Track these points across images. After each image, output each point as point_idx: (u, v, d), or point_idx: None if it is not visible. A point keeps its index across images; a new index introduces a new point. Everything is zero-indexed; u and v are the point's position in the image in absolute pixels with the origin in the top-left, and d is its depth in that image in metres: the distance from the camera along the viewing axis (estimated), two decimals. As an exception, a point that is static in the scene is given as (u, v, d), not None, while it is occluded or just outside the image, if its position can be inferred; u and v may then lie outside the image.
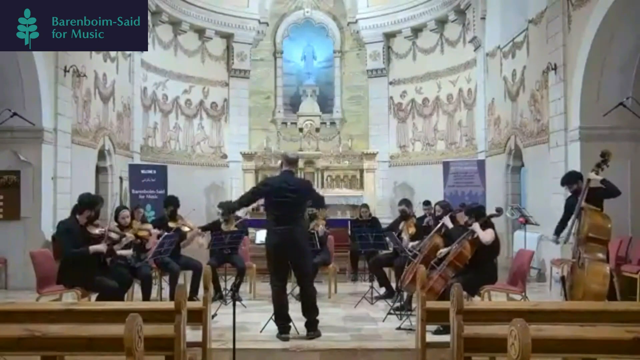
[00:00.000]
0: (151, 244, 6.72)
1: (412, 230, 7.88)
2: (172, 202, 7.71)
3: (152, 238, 6.82)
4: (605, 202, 5.88)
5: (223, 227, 7.87)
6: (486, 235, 5.88)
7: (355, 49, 15.78)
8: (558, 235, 6.48)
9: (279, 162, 5.97)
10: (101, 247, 5.80)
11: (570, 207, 6.10)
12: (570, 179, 6.21)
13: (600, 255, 5.55)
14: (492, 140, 12.11)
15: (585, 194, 5.73)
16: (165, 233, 6.83)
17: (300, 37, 16.00)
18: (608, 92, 7.94)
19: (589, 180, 5.78)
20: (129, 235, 6.29)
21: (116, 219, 6.68)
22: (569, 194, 6.33)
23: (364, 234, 7.90)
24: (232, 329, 4.42)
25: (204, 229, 8.03)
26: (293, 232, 5.61)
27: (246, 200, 6.00)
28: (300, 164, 14.36)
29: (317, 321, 5.68)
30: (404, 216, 8.21)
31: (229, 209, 6.68)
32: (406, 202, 8.49)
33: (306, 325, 5.63)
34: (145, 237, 6.75)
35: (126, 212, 6.74)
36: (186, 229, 7.50)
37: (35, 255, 6.10)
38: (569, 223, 6.03)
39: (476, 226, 5.93)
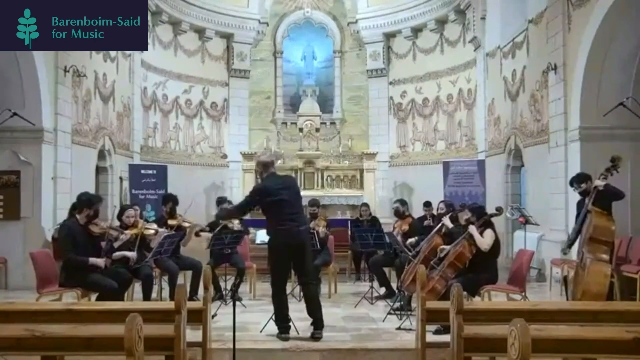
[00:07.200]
0: (156, 243, 6.70)
1: (405, 227, 7.96)
2: (171, 199, 7.70)
3: (156, 238, 6.80)
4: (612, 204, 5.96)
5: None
6: (484, 241, 5.85)
7: (355, 49, 15.78)
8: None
9: (259, 170, 5.91)
10: (100, 261, 5.82)
11: (579, 208, 6.25)
12: (579, 179, 6.30)
13: (603, 256, 5.59)
14: (492, 140, 12.12)
15: (593, 197, 5.85)
16: (166, 233, 6.81)
17: (300, 37, 16.00)
18: (608, 92, 7.94)
19: (595, 186, 5.90)
20: (127, 232, 6.26)
21: (120, 217, 6.67)
22: (576, 195, 6.43)
23: (364, 233, 7.90)
24: (232, 329, 4.42)
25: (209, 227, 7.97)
26: (297, 231, 5.58)
27: (241, 209, 5.98)
28: (300, 164, 14.45)
29: (323, 320, 5.63)
30: (399, 215, 8.30)
31: (222, 218, 6.77)
32: (400, 201, 8.65)
33: (313, 324, 5.58)
34: (151, 236, 6.72)
35: (131, 212, 6.71)
36: (186, 224, 7.50)
37: (35, 255, 6.09)
38: (576, 225, 6.10)
39: (473, 229, 5.91)
